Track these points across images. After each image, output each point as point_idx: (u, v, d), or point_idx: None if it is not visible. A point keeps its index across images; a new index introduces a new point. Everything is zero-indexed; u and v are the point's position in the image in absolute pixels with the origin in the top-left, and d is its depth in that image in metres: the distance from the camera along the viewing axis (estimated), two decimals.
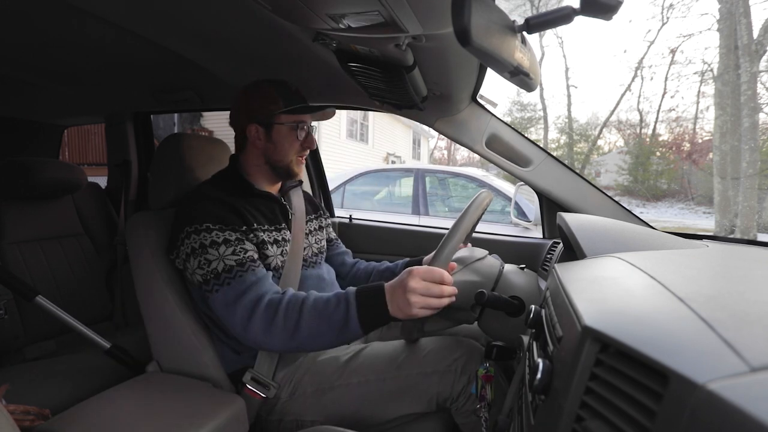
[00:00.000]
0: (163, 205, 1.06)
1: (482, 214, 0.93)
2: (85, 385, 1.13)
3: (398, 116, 1.75)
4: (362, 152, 11.26)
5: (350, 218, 1.77)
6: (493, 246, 1.35)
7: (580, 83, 40.97)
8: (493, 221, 3.48)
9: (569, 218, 0.84)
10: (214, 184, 1.01)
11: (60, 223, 1.56)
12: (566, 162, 2.04)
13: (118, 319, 1.63)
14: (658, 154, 16.75)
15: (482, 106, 1.29)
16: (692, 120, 16.57)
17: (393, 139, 13.49)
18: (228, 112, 1.07)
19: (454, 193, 4.36)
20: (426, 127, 2.50)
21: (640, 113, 17.56)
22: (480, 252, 0.94)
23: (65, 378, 1.15)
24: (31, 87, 1.53)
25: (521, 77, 0.65)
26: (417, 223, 1.95)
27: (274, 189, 1.08)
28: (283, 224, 1.03)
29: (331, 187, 2.08)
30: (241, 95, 1.01)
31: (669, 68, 15.52)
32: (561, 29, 16.81)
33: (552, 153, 1.29)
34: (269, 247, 0.96)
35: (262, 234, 0.96)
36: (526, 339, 0.69)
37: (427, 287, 0.75)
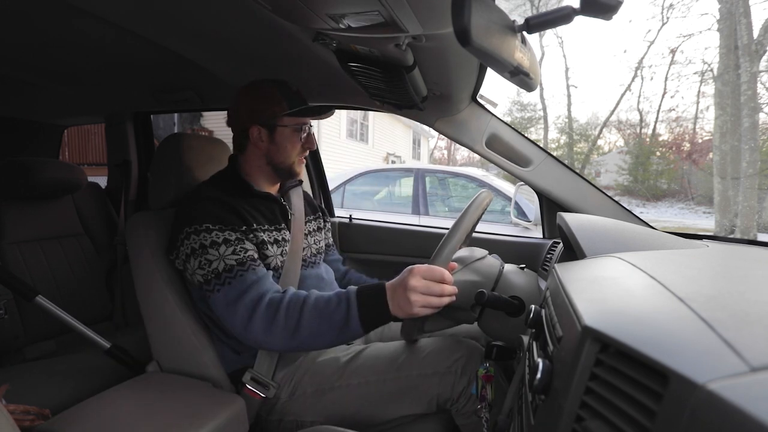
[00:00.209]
0: (163, 205, 1.06)
1: (482, 214, 0.93)
2: (85, 385, 1.12)
3: (398, 116, 1.75)
4: (362, 152, 11.26)
5: (350, 218, 1.77)
6: (493, 246, 1.35)
7: (580, 83, 41.05)
8: (493, 221, 3.48)
9: (569, 218, 0.84)
10: (213, 184, 1.01)
11: (60, 223, 1.56)
12: (566, 162, 2.04)
13: (118, 319, 1.63)
14: (658, 154, 16.75)
15: (482, 106, 1.29)
16: (692, 120, 16.59)
17: (393, 139, 13.49)
18: None
19: (454, 193, 4.36)
20: (426, 127, 2.50)
21: (640, 113, 17.58)
22: (480, 252, 0.94)
23: (65, 378, 1.15)
24: (31, 87, 1.53)
25: (521, 77, 0.65)
26: (417, 223, 1.95)
27: (274, 189, 1.08)
28: (283, 224, 1.03)
29: (331, 187, 2.08)
30: (242, 96, 1.00)
31: (669, 68, 15.55)
32: (561, 29, 16.82)
33: (552, 153, 1.29)
34: (269, 247, 0.96)
35: (262, 234, 0.95)
36: (526, 339, 0.69)
37: (427, 286, 0.75)
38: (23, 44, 1.11)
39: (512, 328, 0.83)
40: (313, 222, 1.17)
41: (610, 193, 1.39)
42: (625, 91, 18.56)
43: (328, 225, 1.26)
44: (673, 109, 17.05)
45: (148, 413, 0.79)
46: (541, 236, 1.45)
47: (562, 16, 0.54)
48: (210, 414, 0.79)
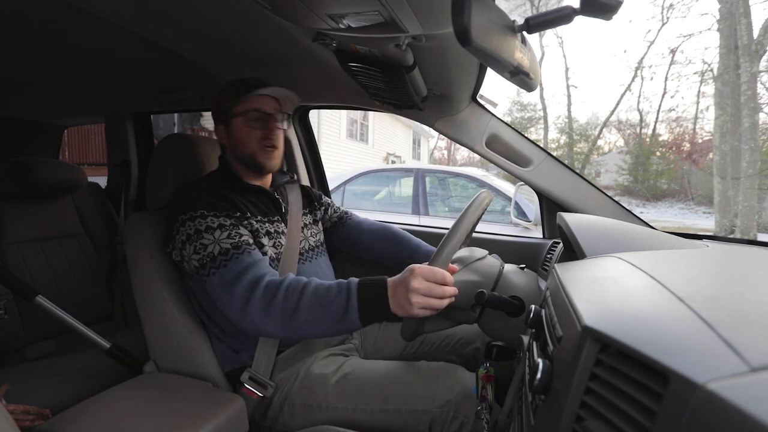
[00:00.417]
0: (161, 206, 1.06)
1: (482, 214, 0.93)
2: (85, 385, 1.13)
3: (398, 116, 1.75)
4: (362, 152, 11.26)
5: None
6: (493, 246, 1.35)
7: (580, 83, 41.00)
8: (493, 221, 3.48)
9: (569, 218, 0.84)
10: (206, 179, 1.03)
11: (60, 223, 1.56)
12: (566, 162, 2.04)
13: (118, 319, 1.63)
14: (658, 154, 16.75)
15: (482, 106, 1.29)
16: (692, 120, 16.58)
17: (393, 139, 13.49)
18: None
19: (454, 193, 4.36)
20: (426, 127, 2.50)
21: (640, 113, 17.57)
22: (480, 252, 0.94)
23: (65, 378, 1.15)
24: (31, 87, 1.53)
25: (521, 77, 0.65)
26: (417, 223, 1.94)
27: (265, 183, 1.09)
28: (276, 217, 1.04)
29: (331, 187, 2.08)
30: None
31: (669, 68, 15.55)
32: (561, 29, 16.83)
33: (552, 153, 1.29)
34: (262, 237, 0.96)
35: (255, 224, 0.96)
36: (526, 339, 0.69)
37: (429, 288, 0.75)
38: (23, 44, 1.11)
39: (512, 328, 0.83)
40: (308, 215, 1.17)
41: (610, 193, 1.39)
42: (625, 91, 18.59)
43: (325, 205, 1.27)
44: (673, 109, 17.06)
45: (148, 413, 0.79)
46: (541, 236, 1.45)
47: (562, 16, 0.54)
48: (210, 414, 0.79)
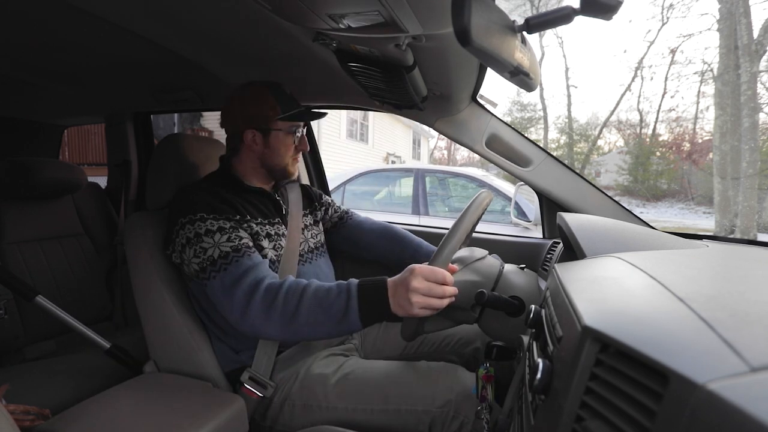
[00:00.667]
0: (161, 206, 1.06)
1: (482, 214, 0.93)
2: (85, 385, 1.12)
3: (398, 116, 1.75)
4: (362, 152, 11.26)
5: None
6: (493, 246, 1.35)
7: (580, 83, 41.06)
8: (493, 221, 3.48)
9: (569, 218, 0.84)
10: (206, 180, 1.03)
11: (60, 223, 1.56)
12: (566, 162, 2.04)
13: (118, 319, 1.63)
14: (658, 154, 16.75)
15: (482, 106, 1.29)
16: (692, 120, 16.59)
17: (393, 139, 13.48)
18: None
19: (454, 193, 4.36)
20: (426, 127, 2.50)
21: (640, 113, 17.57)
22: (480, 252, 0.94)
23: (65, 378, 1.15)
24: (31, 87, 1.53)
25: (521, 77, 0.65)
26: (417, 223, 1.94)
27: (267, 186, 1.09)
28: (277, 219, 1.04)
29: (331, 187, 2.08)
30: (236, 99, 1.01)
31: (669, 68, 15.55)
32: (561, 29, 16.82)
33: (552, 153, 1.29)
34: (262, 239, 0.96)
35: (255, 226, 0.96)
36: (526, 339, 0.69)
37: (429, 288, 0.75)
38: (23, 44, 1.11)
39: (512, 328, 0.83)
40: (309, 216, 1.17)
41: (610, 193, 1.39)
42: (625, 91, 18.59)
43: (326, 205, 1.26)
44: (673, 109, 17.06)
45: (148, 413, 0.79)
46: (541, 236, 1.45)
47: (562, 16, 0.54)
48: (210, 414, 0.79)
